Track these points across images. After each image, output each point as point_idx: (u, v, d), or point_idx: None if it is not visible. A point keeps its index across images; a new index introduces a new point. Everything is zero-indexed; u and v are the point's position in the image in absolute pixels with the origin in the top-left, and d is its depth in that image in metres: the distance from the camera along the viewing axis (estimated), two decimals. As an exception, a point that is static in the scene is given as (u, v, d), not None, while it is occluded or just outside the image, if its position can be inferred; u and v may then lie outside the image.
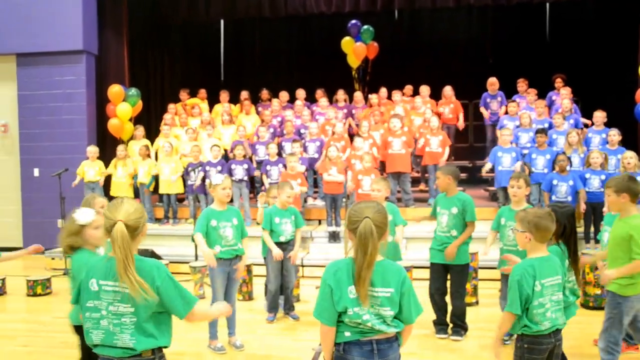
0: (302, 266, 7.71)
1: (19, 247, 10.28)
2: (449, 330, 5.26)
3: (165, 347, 2.64)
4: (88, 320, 2.59)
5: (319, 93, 11.19)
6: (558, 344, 3.17)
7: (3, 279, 7.33)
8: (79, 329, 3.32)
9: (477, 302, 6.40)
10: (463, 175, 10.71)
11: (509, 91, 10.53)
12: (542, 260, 3.13)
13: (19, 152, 10.31)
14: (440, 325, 5.24)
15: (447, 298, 5.22)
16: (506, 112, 9.76)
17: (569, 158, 7.60)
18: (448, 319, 5.27)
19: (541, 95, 10.07)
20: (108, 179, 9.61)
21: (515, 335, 3.24)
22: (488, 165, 8.40)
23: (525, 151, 8.48)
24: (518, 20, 12.67)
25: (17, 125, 10.31)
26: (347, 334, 2.59)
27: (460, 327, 5.20)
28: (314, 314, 2.66)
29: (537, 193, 8.11)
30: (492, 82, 10.31)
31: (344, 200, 8.50)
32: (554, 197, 7.38)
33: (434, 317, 5.28)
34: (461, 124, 10.50)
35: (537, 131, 8.32)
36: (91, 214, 3.30)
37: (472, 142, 12.18)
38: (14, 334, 5.71)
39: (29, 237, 10.24)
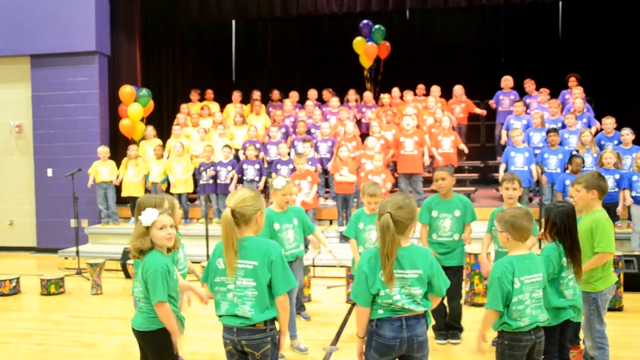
0: (313, 266, 7.71)
1: (33, 247, 10.44)
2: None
3: (276, 318, 2.98)
4: (217, 293, 2.99)
5: (326, 94, 11.23)
6: (539, 341, 3.22)
7: (17, 278, 7.39)
8: (142, 335, 3.26)
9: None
10: (475, 175, 10.69)
11: (522, 91, 10.50)
12: (522, 257, 3.20)
13: (33, 153, 10.41)
14: (439, 330, 5.13)
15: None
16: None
17: (582, 159, 7.53)
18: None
19: (554, 94, 10.02)
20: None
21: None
22: (502, 167, 8.35)
23: (538, 151, 8.44)
24: (530, 19, 12.63)
25: (31, 126, 10.41)
26: (380, 311, 2.93)
27: (457, 329, 5.15)
28: (351, 297, 3.03)
29: (550, 193, 8.07)
30: (506, 79, 10.38)
31: (355, 200, 8.50)
32: (567, 198, 7.33)
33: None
34: (480, 111, 10.62)
35: (549, 131, 8.28)
36: (154, 214, 3.23)
37: (483, 142, 12.14)
38: (28, 332, 5.76)
39: (43, 236, 10.37)
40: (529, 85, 10.36)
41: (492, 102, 10.52)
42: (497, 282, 3.12)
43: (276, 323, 3.01)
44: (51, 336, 5.63)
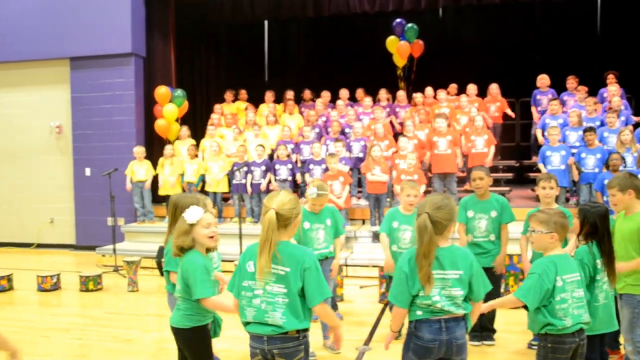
0: (346, 266, 7.72)
1: (72, 244, 10.71)
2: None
3: (308, 329, 2.84)
4: (243, 298, 2.86)
5: (360, 93, 11.19)
6: (582, 344, 3.15)
7: (58, 275, 7.61)
8: (178, 332, 3.28)
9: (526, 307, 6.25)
10: (509, 175, 10.52)
11: (558, 89, 10.27)
12: (561, 257, 3.17)
13: (72, 153, 10.68)
14: (474, 332, 5.07)
15: None
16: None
17: (622, 157, 7.34)
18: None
19: (592, 93, 9.78)
20: (155, 178, 9.86)
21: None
22: (542, 167, 8.19)
23: (574, 150, 8.25)
24: (567, 14, 12.30)
25: (70, 126, 10.69)
26: (419, 312, 2.88)
27: (491, 330, 5.11)
28: (389, 298, 2.99)
29: (588, 193, 7.90)
30: (542, 78, 10.15)
31: (387, 200, 8.46)
32: (605, 198, 7.15)
33: None
34: (511, 113, 10.45)
35: (586, 129, 8.08)
36: (200, 212, 3.24)
37: (518, 142, 11.94)
38: (68, 327, 5.93)
39: (81, 234, 10.63)
40: (572, 82, 10.09)
41: (533, 110, 10.28)
42: (537, 278, 3.08)
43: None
44: (90, 331, 5.77)
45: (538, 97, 10.23)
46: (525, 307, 3.16)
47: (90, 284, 7.42)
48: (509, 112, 10.50)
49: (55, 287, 7.53)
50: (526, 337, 4.98)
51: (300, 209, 2.90)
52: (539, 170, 8.29)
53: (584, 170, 7.89)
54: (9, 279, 7.57)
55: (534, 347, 4.69)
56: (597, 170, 7.80)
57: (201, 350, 3.30)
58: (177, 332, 3.29)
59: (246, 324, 2.86)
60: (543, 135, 8.95)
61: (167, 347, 5.16)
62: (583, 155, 7.99)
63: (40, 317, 6.36)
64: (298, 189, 9.72)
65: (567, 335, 3.09)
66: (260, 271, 2.75)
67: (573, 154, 8.15)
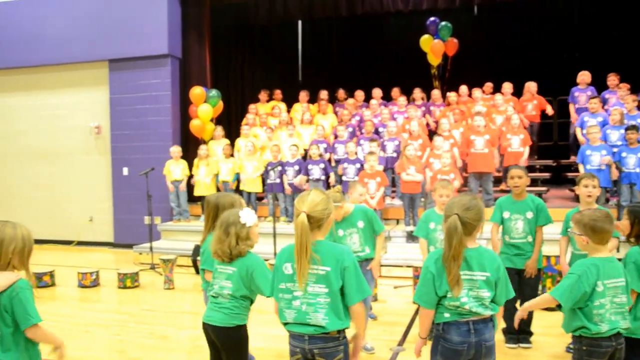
0: (380, 266, 7.67)
1: (110, 242, 10.95)
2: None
3: (348, 328, 2.81)
4: (281, 300, 2.84)
5: (395, 92, 11.12)
6: (620, 348, 3.07)
7: (97, 272, 7.81)
8: (222, 331, 3.24)
9: (559, 307, 6.13)
10: (547, 175, 10.31)
11: (598, 88, 9.99)
12: (606, 260, 3.07)
13: (111, 152, 10.93)
14: (510, 334, 5.00)
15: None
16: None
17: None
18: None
19: (635, 90, 9.49)
20: (189, 177, 10.01)
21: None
22: (581, 168, 7.98)
23: (616, 149, 8.03)
24: (607, 9, 11.95)
25: (109, 126, 10.94)
26: (447, 315, 2.84)
27: (528, 333, 5.02)
28: (414, 298, 2.95)
29: (629, 194, 7.69)
30: (583, 74, 9.89)
31: (422, 199, 8.40)
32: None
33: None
34: (550, 111, 10.19)
35: (628, 128, 7.86)
36: (253, 213, 3.27)
37: (556, 140, 11.69)
38: (107, 323, 6.06)
39: (119, 232, 10.86)
40: (613, 79, 9.78)
41: (571, 108, 10.02)
42: (575, 279, 3.00)
43: (347, 331, 2.85)
44: (128, 328, 5.89)
45: (576, 94, 9.97)
46: (559, 306, 3.10)
47: (127, 281, 7.58)
48: (549, 109, 10.24)
49: (95, 283, 7.72)
50: (564, 340, 4.88)
51: (332, 208, 2.85)
52: (577, 170, 8.10)
53: (624, 169, 7.67)
54: (51, 275, 7.80)
55: (572, 350, 4.59)
56: (638, 170, 7.58)
57: (242, 349, 3.31)
58: (222, 331, 3.25)
59: (286, 324, 2.86)
60: (582, 134, 8.74)
61: (201, 345, 5.21)
62: (624, 154, 7.77)
63: (81, 313, 6.52)
64: (330, 188, 9.70)
65: (604, 339, 3.02)
66: (301, 275, 2.74)
67: (614, 154, 7.93)
